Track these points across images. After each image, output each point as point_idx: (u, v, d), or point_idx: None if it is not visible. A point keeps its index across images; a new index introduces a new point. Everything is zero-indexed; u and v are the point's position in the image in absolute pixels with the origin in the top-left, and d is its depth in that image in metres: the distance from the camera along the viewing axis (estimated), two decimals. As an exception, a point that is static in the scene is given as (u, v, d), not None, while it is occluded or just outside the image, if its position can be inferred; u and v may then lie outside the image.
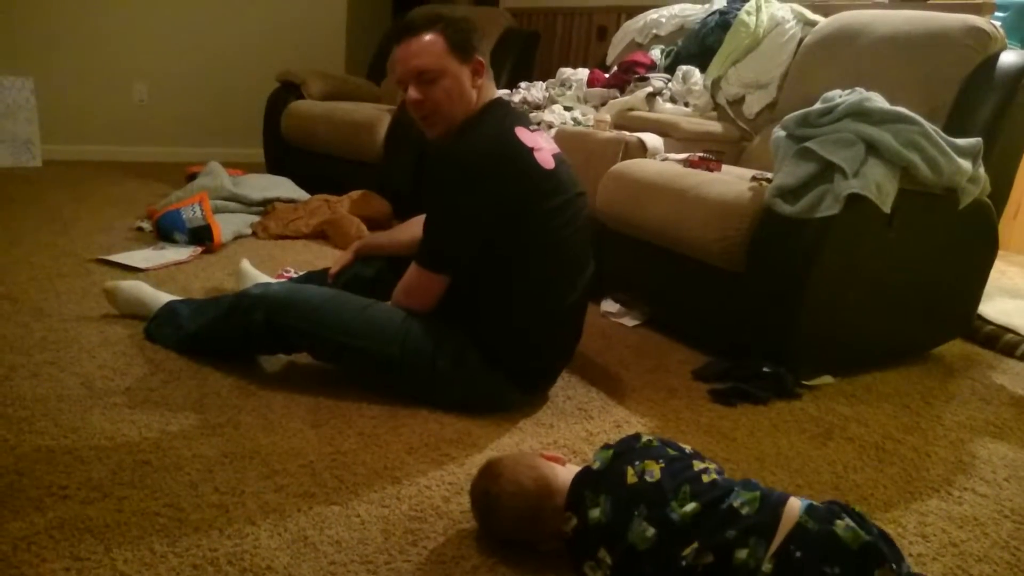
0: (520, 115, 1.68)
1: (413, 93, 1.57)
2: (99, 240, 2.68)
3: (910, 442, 1.69)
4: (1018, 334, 2.38)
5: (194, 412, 1.51)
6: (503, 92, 3.34)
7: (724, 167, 2.40)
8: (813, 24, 2.81)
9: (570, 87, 3.24)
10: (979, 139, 1.96)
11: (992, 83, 2.14)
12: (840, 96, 1.96)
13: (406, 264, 1.63)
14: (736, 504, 1.01)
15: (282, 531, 1.17)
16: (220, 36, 4.61)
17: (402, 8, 5.27)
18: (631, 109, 2.81)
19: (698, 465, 1.10)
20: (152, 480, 1.26)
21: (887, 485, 1.49)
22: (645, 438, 1.17)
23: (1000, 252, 2.20)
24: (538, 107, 3.17)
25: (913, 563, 1.24)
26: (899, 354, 2.19)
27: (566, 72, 3.33)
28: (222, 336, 1.69)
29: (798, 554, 0.94)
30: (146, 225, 2.87)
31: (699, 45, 3.10)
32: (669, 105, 2.85)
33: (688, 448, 1.18)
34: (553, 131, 2.69)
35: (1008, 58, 2.17)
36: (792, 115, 1.98)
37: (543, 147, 1.58)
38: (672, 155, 2.44)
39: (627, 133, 2.52)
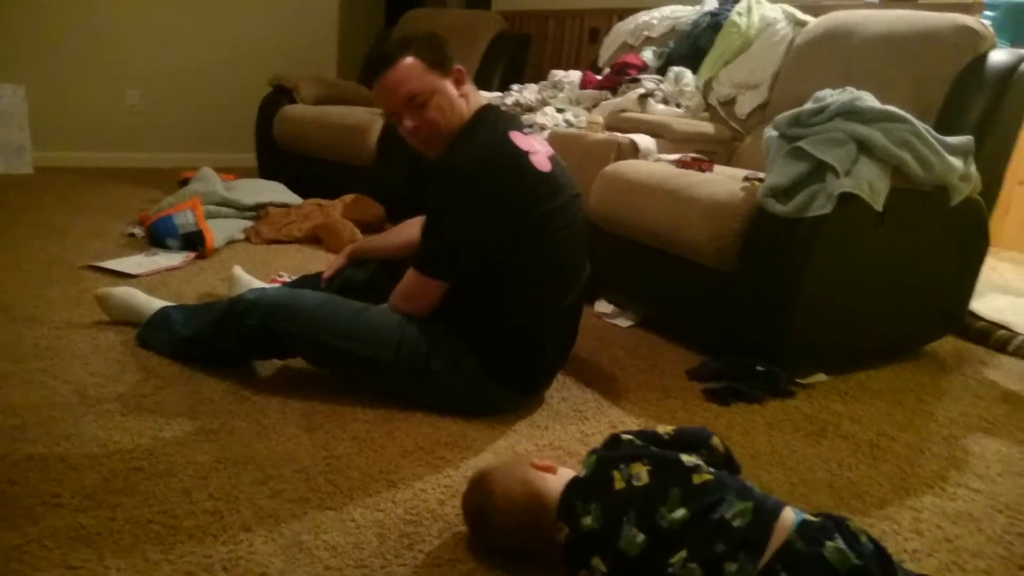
0: (512, 119, 1.68)
1: (409, 123, 1.58)
2: (91, 246, 2.66)
3: (904, 439, 1.69)
4: (1009, 330, 2.39)
5: (187, 418, 1.50)
6: (496, 95, 3.34)
7: (716, 167, 2.40)
8: (804, 24, 2.82)
9: (562, 89, 3.24)
10: (970, 137, 1.97)
11: (982, 82, 2.15)
12: (831, 96, 1.96)
13: (400, 267, 1.63)
14: (728, 516, 0.99)
15: (277, 536, 1.16)
16: (212, 41, 4.61)
17: (394, 12, 5.26)
18: (623, 111, 2.81)
19: (687, 461, 1.08)
20: (145, 487, 1.26)
21: (881, 482, 1.50)
22: (625, 437, 1.16)
23: (991, 248, 2.22)
24: (531, 109, 3.17)
25: (908, 559, 1.24)
26: (892, 351, 2.20)
27: (558, 74, 3.33)
28: (216, 341, 1.68)
29: (783, 575, 0.93)
30: (138, 231, 2.86)
31: (691, 46, 3.11)
32: (661, 106, 2.85)
33: (665, 434, 1.16)
34: (546, 133, 2.70)
35: (997, 57, 2.18)
36: (784, 115, 1.99)
37: (538, 150, 1.58)
38: (664, 156, 2.44)
39: (619, 134, 2.52)
